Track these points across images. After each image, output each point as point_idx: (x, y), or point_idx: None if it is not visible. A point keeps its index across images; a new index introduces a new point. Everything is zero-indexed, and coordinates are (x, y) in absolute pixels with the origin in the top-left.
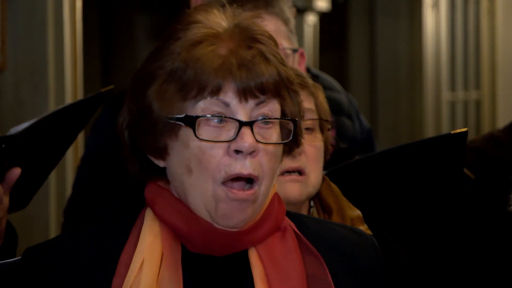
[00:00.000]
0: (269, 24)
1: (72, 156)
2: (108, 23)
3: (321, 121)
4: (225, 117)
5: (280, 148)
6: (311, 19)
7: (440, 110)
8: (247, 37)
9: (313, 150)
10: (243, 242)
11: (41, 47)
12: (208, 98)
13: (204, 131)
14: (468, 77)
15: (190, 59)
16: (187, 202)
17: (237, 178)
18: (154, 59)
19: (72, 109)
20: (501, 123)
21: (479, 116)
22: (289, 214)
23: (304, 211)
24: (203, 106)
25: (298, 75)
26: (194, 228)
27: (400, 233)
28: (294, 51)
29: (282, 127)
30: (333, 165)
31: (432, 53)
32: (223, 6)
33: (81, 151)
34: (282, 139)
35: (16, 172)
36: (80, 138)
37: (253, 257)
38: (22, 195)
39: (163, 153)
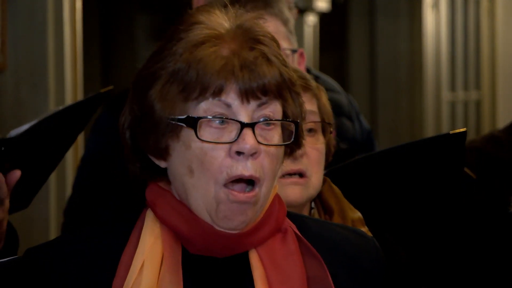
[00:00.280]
0: (268, 25)
1: (72, 157)
2: (108, 23)
3: (324, 123)
4: (227, 118)
5: (281, 150)
6: (311, 19)
7: (440, 110)
8: (250, 38)
9: (315, 152)
10: (244, 244)
11: (41, 47)
12: (210, 99)
13: (206, 132)
14: (468, 77)
15: (193, 60)
16: (188, 203)
17: (238, 179)
18: (156, 60)
19: (71, 110)
20: (501, 123)
21: (479, 116)
22: (290, 215)
23: (305, 212)
24: (205, 107)
25: (302, 77)
26: (195, 229)
27: (400, 233)
28: (294, 51)
29: (283, 129)
30: (333, 165)
31: (432, 53)
32: (225, 6)
33: (81, 152)
34: (284, 141)
35: (17, 174)
36: (80, 138)
37: (254, 258)
38: (23, 196)
39: (164, 153)
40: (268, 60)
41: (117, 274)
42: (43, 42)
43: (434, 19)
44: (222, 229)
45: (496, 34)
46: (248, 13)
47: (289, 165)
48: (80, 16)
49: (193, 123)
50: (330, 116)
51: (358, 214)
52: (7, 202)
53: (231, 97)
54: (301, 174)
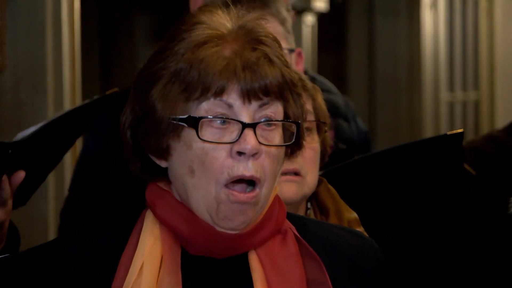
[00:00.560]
0: (266, 25)
1: (71, 156)
2: (108, 24)
3: (319, 122)
4: (228, 118)
5: (282, 151)
6: (309, 19)
7: (438, 110)
8: (252, 39)
9: (310, 152)
10: (244, 245)
11: (39, 47)
12: (212, 99)
13: (207, 132)
14: (467, 78)
15: (194, 60)
16: (188, 203)
17: (239, 180)
18: (158, 60)
19: (77, 112)
20: (500, 124)
21: (478, 117)
22: (290, 217)
23: (301, 213)
24: (207, 107)
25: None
26: (195, 230)
27: (397, 233)
28: (291, 51)
29: (284, 130)
30: (332, 166)
31: (431, 53)
32: (226, 6)
33: (79, 151)
34: (285, 141)
35: (21, 175)
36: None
37: (253, 260)
38: (22, 194)
39: (165, 153)
40: (270, 61)
41: (117, 275)
42: (41, 43)
43: (433, 19)
44: (222, 230)
45: (495, 34)
46: (250, 14)
47: (284, 164)
48: (78, 16)
49: (194, 123)
50: (325, 116)
51: (354, 215)
52: (10, 203)
53: (233, 97)
54: (296, 173)
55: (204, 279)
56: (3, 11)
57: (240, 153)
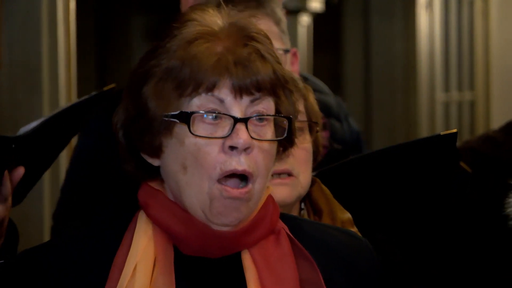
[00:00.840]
0: (261, 25)
1: (66, 155)
2: (104, 24)
3: (310, 122)
4: (220, 113)
5: (274, 147)
6: (305, 19)
7: (434, 110)
8: (243, 36)
9: (301, 152)
10: (238, 244)
11: (35, 47)
12: (203, 95)
13: (199, 127)
14: (462, 78)
15: (186, 56)
16: (181, 201)
17: (232, 175)
18: (150, 58)
19: (76, 108)
20: (495, 124)
21: (473, 117)
22: (283, 217)
23: (294, 213)
24: (198, 103)
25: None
26: (190, 229)
27: (392, 234)
28: (286, 51)
29: (276, 126)
30: (326, 166)
31: (426, 54)
32: (218, 5)
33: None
34: (277, 137)
35: (21, 171)
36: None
37: (246, 260)
38: (18, 192)
39: (158, 151)
40: (262, 57)
41: (110, 276)
42: (37, 42)
43: (428, 20)
44: (216, 226)
45: (490, 35)
46: (242, 12)
47: (276, 165)
48: (74, 16)
49: (186, 118)
50: (317, 116)
51: (347, 215)
52: (10, 200)
53: (224, 92)
54: (288, 174)
55: (198, 279)
56: (0, 11)
57: (232, 148)
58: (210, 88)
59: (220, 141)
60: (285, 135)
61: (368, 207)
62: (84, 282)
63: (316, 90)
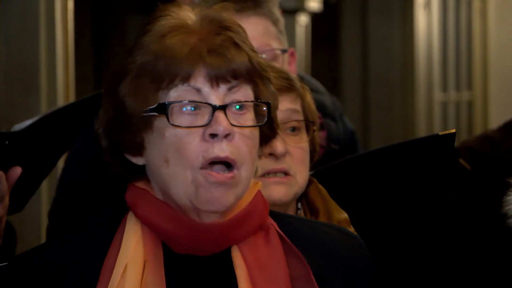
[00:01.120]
0: (258, 25)
1: (64, 157)
2: (101, 24)
3: (307, 122)
4: (198, 102)
5: (256, 134)
6: (302, 19)
7: (432, 110)
8: (216, 26)
9: (298, 151)
10: (227, 238)
11: (33, 48)
12: (180, 86)
13: (179, 119)
14: (460, 78)
15: (160, 49)
16: (168, 195)
17: (216, 162)
18: (125, 56)
19: (73, 107)
20: (493, 124)
21: (471, 117)
22: (273, 214)
23: (291, 213)
24: (175, 95)
25: (286, 78)
26: (177, 226)
27: (389, 233)
28: (284, 51)
29: (257, 114)
30: (323, 166)
31: (424, 53)
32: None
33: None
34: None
35: (17, 171)
36: None
37: (237, 257)
38: (18, 198)
39: (140, 148)
40: (236, 45)
41: (101, 278)
42: (35, 43)
43: (426, 20)
44: (204, 215)
45: (488, 35)
46: (215, 6)
47: (272, 164)
48: (71, 17)
49: (164, 109)
50: (314, 115)
51: (344, 215)
52: (6, 199)
53: (200, 81)
54: (285, 173)
55: (189, 277)
56: None
57: (213, 136)
58: (186, 78)
59: (201, 130)
60: (266, 120)
61: (366, 206)
62: (75, 285)
63: (311, 90)
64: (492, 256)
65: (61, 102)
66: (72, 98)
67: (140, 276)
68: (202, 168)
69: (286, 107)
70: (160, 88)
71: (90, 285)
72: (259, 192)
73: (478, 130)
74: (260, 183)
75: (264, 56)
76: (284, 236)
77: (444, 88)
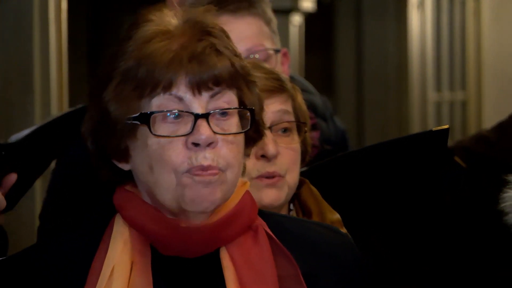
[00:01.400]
0: (252, 25)
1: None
2: (96, 24)
3: (298, 123)
4: (180, 111)
5: (241, 138)
6: (296, 19)
7: (426, 110)
8: (198, 31)
9: (289, 152)
10: (215, 239)
11: (27, 48)
12: (162, 94)
13: (161, 127)
14: (454, 78)
15: (142, 56)
16: (156, 201)
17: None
18: (108, 61)
19: (68, 117)
20: (487, 124)
21: (465, 117)
22: (262, 214)
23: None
24: (158, 103)
25: (277, 79)
26: (164, 228)
27: (382, 231)
28: (277, 51)
29: (241, 118)
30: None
31: (418, 53)
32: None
33: None
34: (243, 130)
35: (12, 178)
36: None
37: (225, 258)
38: (10, 198)
39: (125, 155)
40: (217, 51)
41: (88, 280)
42: (29, 43)
43: (420, 20)
44: (192, 216)
45: (482, 35)
46: (197, 9)
47: (265, 167)
48: (65, 17)
49: (146, 119)
50: (305, 116)
51: (336, 216)
52: (1, 205)
53: (182, 90)
54: (276, 175)
55: (177, 279)
56: None
57: (196, 144)
58: (168, 87)
59: (183, 138)
60: (249, 126)
61: (359, 203)
62: (64, 287)
63: (302, 90)
64: (488, 253)
65: (55, 102)
66: (66, 98)
67: (127, 279)
68: (187, 171)
69: (277, 108)
70: (143, 96)
71: (78, 287)
72: (247, 192)
73: (472, 130)
74: (248, 183)
75: (257, 56)
76: (273, 236)
77: (438, 88)
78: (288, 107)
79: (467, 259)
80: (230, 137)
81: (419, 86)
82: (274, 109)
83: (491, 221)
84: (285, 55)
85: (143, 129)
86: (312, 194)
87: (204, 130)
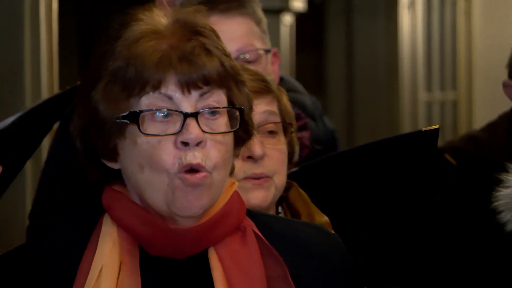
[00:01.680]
0: (243, 25)
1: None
2: (86, 24)
3: (284, 124)
4: (169, 109)
5: (230, 138)
6: (287, 19)
7: (416, 110)
8: (188, 31)
9: (276, 153)
10: (203, 240)
11: (17, 47)
12: (151, 93)
13: (150, 126)
14: (445, 78)
15: (131, 56)
16: (145, 200)
17: (189, 170)
18: (97, 61)
19: (53, 101)
20: (478, 123)
21: (456, 117)
22: (250, 214)
23: None
24: (147, 102)
25: (262, 80)
26: (152, 229)
27: (371, 231)
28: (267, 51)
29: (231, 118)
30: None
31: (409, 53)
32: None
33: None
34: (232, 129)
35: None
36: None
37: (213, 259)
38: None
39: (114, 154)
40: (207, 50)
41: (76, 281)
42: (19, 42)
43: (410, 20)
44: (180, 220)
45: (473, 35)
46: (187, 8)
47: (252, 169)
48: (56, 16)
49: (135, 117)
50: (291, 117)
51: (325, 218)
52: None
53: (171, 89)
54: (263, 176)
55: (165, 279)
56: None
57: (185, 143)
58: (157, 86)
59: (173, 137)
60: (238, 126)
61: (349, 203)
62: (52, 287)
63: (291, 90)
64: (481, 252)
65: None
66: None
67: (115, 279)
68: (178, 173)
69: (263, 109)
70: (132, 95)
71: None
72: (235, 192)
73: (462, 129)
74: (236, 183)
75: (247, 56)
76: (261, 236)
77: (429, 87)
78: (274, 108)
79: (459, 258)
80: (219, 137)
81: (409, 86)
82: (259, 110)
83: (484, 220)
84: (275, 54)
85: (132, 128)
86: (300, 196)
87: (193, 129)
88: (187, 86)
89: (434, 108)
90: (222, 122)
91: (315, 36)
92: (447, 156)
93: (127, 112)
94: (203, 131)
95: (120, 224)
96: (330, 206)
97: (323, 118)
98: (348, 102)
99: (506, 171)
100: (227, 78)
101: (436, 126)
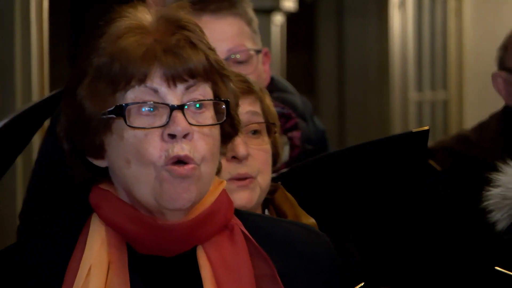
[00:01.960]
0: (234, 25)
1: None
2: (77, 24)
3: (268, 124)
4: (155, 102)
5: (216, 131)
6: (278, 19)
7: (407, 110)
8: (172, 26)
9: (260, 153)
10: (191, 238)
11: (8, 47)
12: (136, 87)
13: (137, 120)
14: (436, 77)
15: (115, 51)
16: (133, 195)
17: (177, 162)
18: (83, 58)
19: (43, 104)
20: (469, 123)
21: (447, 116)
22: (238, 213)
23: None
24: (133, 96)
25: (244, 81)
26: (140, 227)
27: (361, 233)
28: (258, 51)
29: (217, 112)
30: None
31: (400, 53)
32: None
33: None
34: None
35: None
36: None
37: (201, 257)
38: None
39: (100, 151)
40: (192, 44)
41: (65, 280)
42: (10, 42)
43: (401, 19)
44: (169, 214)
45: (463, 34)
46: (171, 5)
47: (236, 169)
48: (47, 16)
49: (121, 111)
50: (274, 118)
51: (312, 220)
52: None
53: (157, 82)
54: (248, 177)
55: (154, 278)
56: None
57: (172, 136)
58: (142, 80)
59: (160, 130)
60: (224, 118)
61: (338, 204)
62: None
63: (281, 90)
64: (472, 251)
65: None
66: None
67: (104, 278)
68: (165, 165)
69: (246, 110)
70: (117, 90)
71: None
72: (223, 191)
73: (453, 129)
74: (224, 182)
75: (238, 56)
76: (249, 235)
77: (419, 87)
78: (257, 108)
79: (450, 258)
80: (206, 130)
81: (400, 85)
82: (242, 110)
83: (474, 219)
84: (266, 54)
85: (119, 123)
86: (286, 199)
87: (179, 122)
88: (172, 79)
89: (425, 108)
90: (208, 116)
91: (305, 36)
92: (432, 162)
93: (113, 107)
94: (189, 123)
95: (108, 223)
96: (320, 206)
97: (314, 118)
98: (338, 102)
99: (497, 170)
100: (212, 71)
101: (426, 127)
